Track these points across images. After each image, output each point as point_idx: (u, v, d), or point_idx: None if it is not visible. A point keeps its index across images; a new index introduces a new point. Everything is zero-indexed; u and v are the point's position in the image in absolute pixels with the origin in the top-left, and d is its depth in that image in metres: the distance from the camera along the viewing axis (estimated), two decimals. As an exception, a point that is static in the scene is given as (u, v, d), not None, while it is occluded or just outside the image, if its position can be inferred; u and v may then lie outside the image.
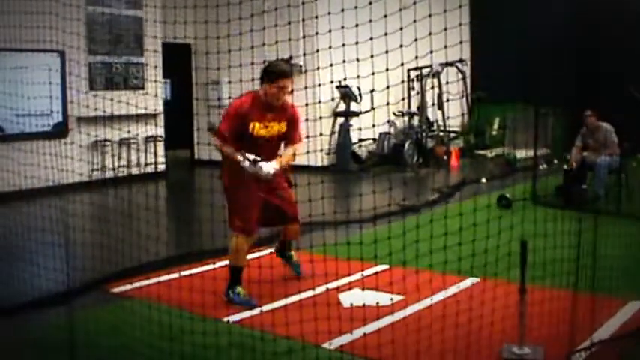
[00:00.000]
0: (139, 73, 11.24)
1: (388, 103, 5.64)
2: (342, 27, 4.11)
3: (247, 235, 4.94)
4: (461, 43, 4.04)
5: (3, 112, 9.33)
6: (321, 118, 9.22)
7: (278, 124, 4.91)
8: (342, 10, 4.13)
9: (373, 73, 4.13)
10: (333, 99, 10.16)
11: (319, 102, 8.12)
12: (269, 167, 4.75)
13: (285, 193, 5.18)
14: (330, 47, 4.61)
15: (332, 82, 4.74)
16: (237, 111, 4.82)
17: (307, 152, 5.07)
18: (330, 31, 4.17)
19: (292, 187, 5.30)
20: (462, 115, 14.10)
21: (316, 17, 5.78)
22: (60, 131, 10.02)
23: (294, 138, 5.02)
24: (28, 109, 9.34)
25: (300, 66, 10.86)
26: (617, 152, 8.55)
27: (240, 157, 4.73)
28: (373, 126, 9.14)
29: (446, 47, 3.92)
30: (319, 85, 6.55)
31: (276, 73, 4.77)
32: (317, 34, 5.08)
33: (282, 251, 5.62)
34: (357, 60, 4.22)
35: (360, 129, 11.73)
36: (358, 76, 4.27)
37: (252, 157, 4.71)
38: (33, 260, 5.79)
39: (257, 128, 4.82)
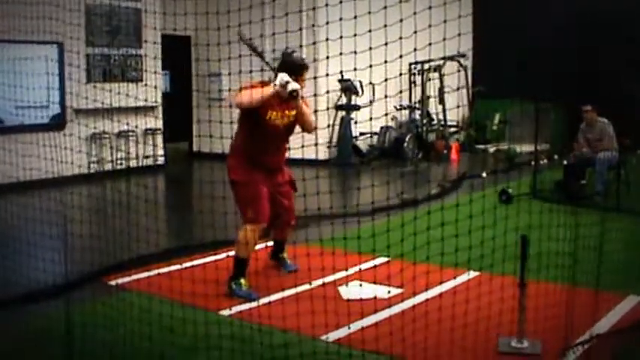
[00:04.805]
0: (138, 65, 11.19)
1: (386, 96, 5.61)
2: (340, 18, 4.07)
3: (258, 224, 4.96)
4: (459, 34, 4.00)
5: (1, 104, 9.29)
6: (316, 111, 9.17)
7: (289, 112, 4.98)
8: (341, 2, 4.09)
9: (371, 66, 4.09)
10: (328, 92, 10.09)
11: (314, 95, 8.07)
12: (295, 84, 4.68)
13: (286, 197, 5.24)
14: (327, 39, 4.59)
15: (327, 74, 4.70)
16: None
17: (302, 146, 5.05)
18: (327, 22, 4.15)
19: (296, 191, 5.31)
20: (463, 109, 14.08)
21: (314, 9, 5.73)
22: (58, 123, 9.98)
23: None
24: (25, 101, 9.30)
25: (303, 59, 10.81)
26: (615, 147, 8.52)
27: (271, 88, 4.70)
28: (370, 119, 9.09)
29: (444, 39, 3.89)
30: (314, 78, 6.48)
31: (303, 66, 4.97)
32: (313, 25, 5.04)
33: (276, 254, 5.66)
34: (355, 52, 4.19)
35: (356, 122, 11.71)
36: (355, 69, 4.23)
37: (279, 80, 4.65)
38: (31, 253, 5.77)
39: (274, 116, 4.91)
